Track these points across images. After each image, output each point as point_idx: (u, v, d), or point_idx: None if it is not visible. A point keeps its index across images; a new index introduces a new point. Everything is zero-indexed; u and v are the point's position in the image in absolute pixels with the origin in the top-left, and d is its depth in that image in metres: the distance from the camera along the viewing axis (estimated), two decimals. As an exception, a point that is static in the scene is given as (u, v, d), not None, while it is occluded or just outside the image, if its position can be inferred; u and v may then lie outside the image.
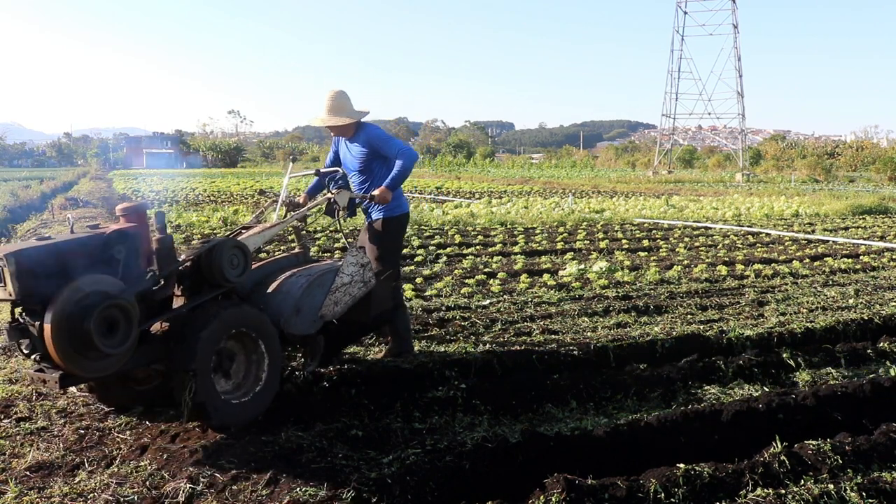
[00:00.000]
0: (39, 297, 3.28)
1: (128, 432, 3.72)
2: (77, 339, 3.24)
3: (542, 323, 5.92)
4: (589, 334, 5.55)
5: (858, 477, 3.01)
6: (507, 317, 6.12)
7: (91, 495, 3.04)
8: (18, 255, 3.21)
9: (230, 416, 3.69)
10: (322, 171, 5.02)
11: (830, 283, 7.77)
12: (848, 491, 2.86)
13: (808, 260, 9.52)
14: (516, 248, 10.41)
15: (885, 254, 10.07)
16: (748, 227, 13.83)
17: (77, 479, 3.20)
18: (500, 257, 9.57)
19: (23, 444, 3.58)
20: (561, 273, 8.36)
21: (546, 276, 7.95)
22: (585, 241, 11.43)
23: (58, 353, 3.22)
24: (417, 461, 3.14)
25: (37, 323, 3.27)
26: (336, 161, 5.15)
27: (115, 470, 3.28)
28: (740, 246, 11.05)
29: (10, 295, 3.24)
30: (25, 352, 3.42)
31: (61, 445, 3.55)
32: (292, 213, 4.81)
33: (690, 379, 4.50)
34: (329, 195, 4.62)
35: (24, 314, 3.34)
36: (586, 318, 6.10)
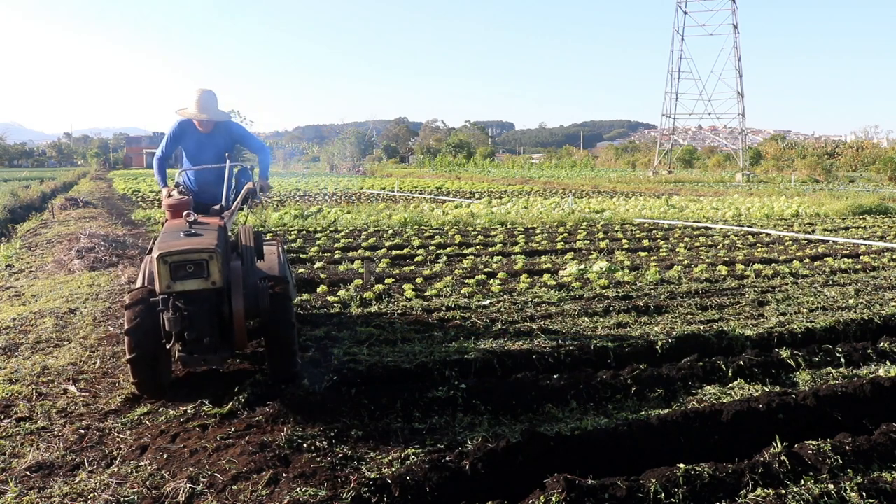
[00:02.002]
0: (226, 283, 3.86)
1: (128, 432, 3.72)
2: (254, 315, 3.96)
3: (542, 323, 5.92)
4: (589, 334, 5.55)
5: (858, 477, 3.01)
6: (507, 317, 6.12)
7: (91, 495, 3.04)
8: (219, 249, 3.79)
9: None
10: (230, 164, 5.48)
11: (830, 283, 7.77)
12: (848, 491, 2.86)
13: (808, 260, 9.52)
14: (516, 249, 10.41)
15: (885, 254, 10.06)
16: (748, 227, 13.83)
17: (77, 479, 3.20)
18: (500, 257, 9.57)
19: (23, 444, 3.58)
20: (561, 273, 8.36)
21: (546, 276, 7.95)
22: (585, 242, 11.43)
23: (244, 329, 3.88)
24: (417, 461, 3.14)
25: (222, 308, 3.87)
26: (176, 148, 5.55)
27: (115, 470, 3.28)
28: (740, 246, 11.04)
29: (214, 283, 3.78)
30: (193, 336, 3.80)
31: (61, 445, 3.55)
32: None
33: (690, 379, 4.50)
34: (251, 185, 5.12)
35: (197, 302, 3.78)
36: (586, 318, 6.10)
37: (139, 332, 3.95)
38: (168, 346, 3.99)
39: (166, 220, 4.63)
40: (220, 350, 3.92)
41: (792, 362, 4.81)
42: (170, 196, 5.00)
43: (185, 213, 4.12)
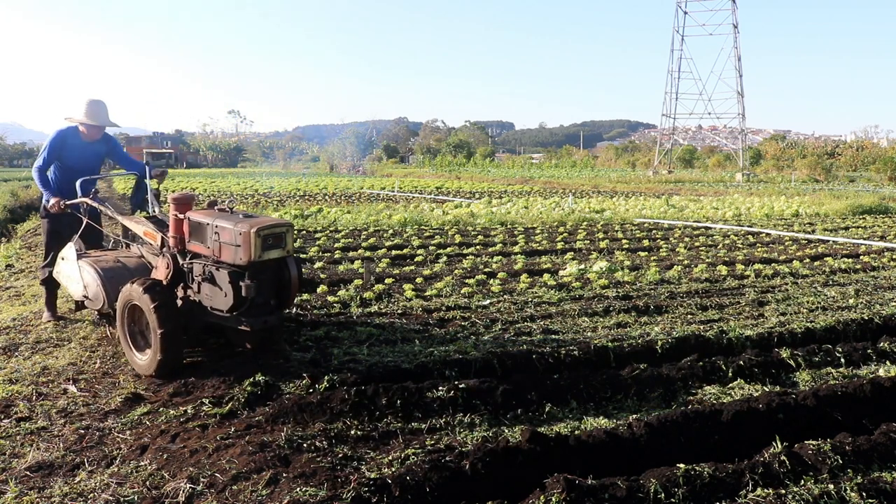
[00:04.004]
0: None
1: (128, 432, 3.72)
2: (301, 280, 4.71)
3: (542, 323, 5.92)
4: (589, 334, 5.55)
5: (858, 477, 3.01)
6: (507, 317, 6.12)
7: (91, 495, 3.04)
8: (292, 224, 4.60)
9: None
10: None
11: (830, 283, 7.77)
12: (848, 491, 2.86)
13: (808, 260, 9.52)
14: (516, 248, 10.41)
15: (885, 254, 10.07)
16: (748, 227, 13.83)
17: (77, 479, 3.20)
18: (500, 257, 9.57)
19: (23, 444, 3.59)
20: (561, 273, 8.36)
21: (546, 276, 7.95)
22: (585, 241, 11.43)
23: (296, 291, 4.69)
24: (417, 461, 3.14)
25: (282, 274, 4.61)
26: (56, 158, 5.84)
27: (115, 470, 3.28)
28: (740, 246, 11.04)
29: (288, 252, 4.57)
30: (261, 300, 4.49)
31: (61, 445, 3.55)
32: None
33: (690, 379, 4.50)
34: (155, 187, 5.72)
35: (266, 271, 4.50)
36: (586, 318, 6.10)
37: (164, 309, 4.43)
38: (231, 314, 4.51)
39: (173, 214, 4.88)
40: (277, 311, 4.67)
41: (792, 362, 4.81)
42: (63, 205, 5.62)
43: (227, 202, 4.84)
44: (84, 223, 5.65)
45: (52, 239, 5.92)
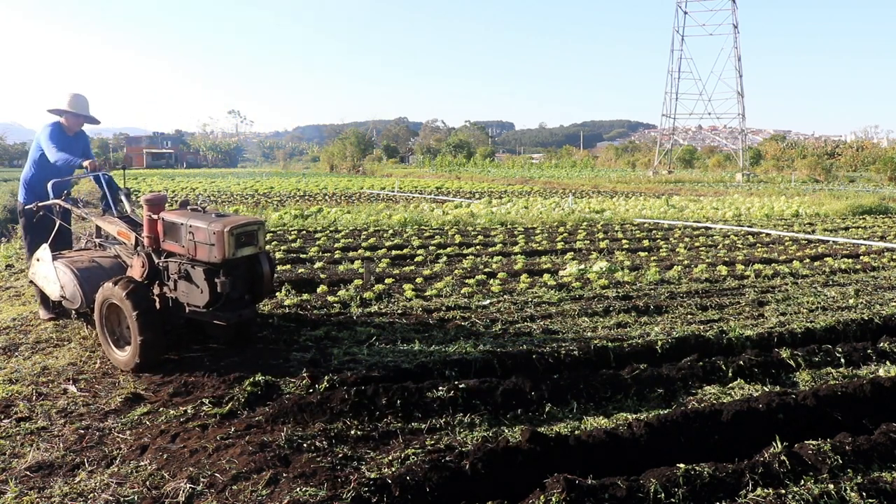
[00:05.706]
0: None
1: (128, 432, 3.72)
2: (272, 275, 4.86)
3: (542, 323, 5.92)
4: (589, 334, 5.55)
5: (858, 477, 3.01)
6: (507, 317, 6.12)
7: (91, 495, 3.04)
8: (264, 222, 4.79)
9: None
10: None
11: (830, 283, 7.77)
12: (848, 491, 2.86)
13: (808, 260, 9.52)
14: (516, 248, 10.41)
15: (886, 254, 10.07)
16: (748, 227, 13.83)
17: (77, 479, 3.20)
18: (500, 257, 9.57)
19: (23, 444, 3.59)
20: (561, 273, 8.36)
21: (546, 276, 7.95)
22: (585, 241, 11.43)
23: (271, 284, 4.91)
24: (417, 461, 3.14)
25: (254, 270, 4.77)
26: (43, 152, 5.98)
27: (115, 470, 3.28)
28: (740, 246, 11.04)
29: (260, 249, 4.75)
30: (236, 295, 4.66)
31: (61, 445, 3.55)
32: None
33: (690, 379, 4.50)
34: (125, 188, 5.91)
35: (240, 267, 4.68)
36: (586, 318, 6.10)
37: (141, 306, 4.52)
38: (207, 310, 4.60)
39: (147, 214, 4.98)
40: (251, 304, 4.82)
41: (792, 362, 4.81)
42: (36, 207, 5.78)
43: (199, 202, 5.05)
44: (57, 225, 5.67)
45: (34, 234, 5.96)
